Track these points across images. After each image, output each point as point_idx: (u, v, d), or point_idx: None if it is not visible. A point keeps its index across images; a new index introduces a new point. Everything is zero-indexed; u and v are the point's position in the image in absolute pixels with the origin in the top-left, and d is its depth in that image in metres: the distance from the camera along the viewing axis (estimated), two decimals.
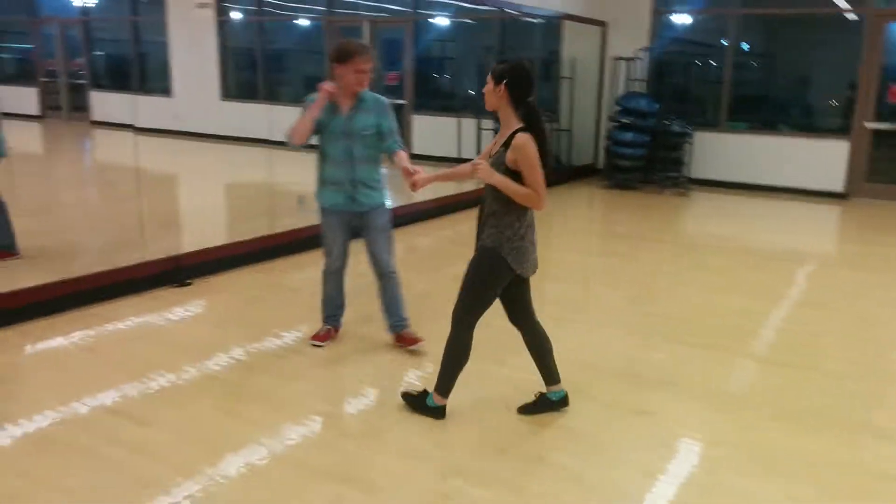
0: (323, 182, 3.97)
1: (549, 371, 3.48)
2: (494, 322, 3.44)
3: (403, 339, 4.14)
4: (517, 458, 3.11)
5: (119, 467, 2.95)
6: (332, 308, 4.23)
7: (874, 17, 9.50)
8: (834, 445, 3.29)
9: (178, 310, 4.80)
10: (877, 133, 9.71)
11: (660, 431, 3.38)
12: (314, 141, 3.92)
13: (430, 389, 3.40)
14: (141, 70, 15.88)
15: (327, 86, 3.77)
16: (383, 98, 3.97)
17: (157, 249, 5.38)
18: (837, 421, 3.53)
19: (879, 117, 9.64)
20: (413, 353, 4.09)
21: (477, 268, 3.25)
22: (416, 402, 3.44)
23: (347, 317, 4.33)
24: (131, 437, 3.18)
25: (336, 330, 4.27)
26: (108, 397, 3.53)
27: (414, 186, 3.56)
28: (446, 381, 3.34)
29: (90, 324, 4.46)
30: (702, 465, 3.13)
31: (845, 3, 9.83)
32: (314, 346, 4.14)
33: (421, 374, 3.86)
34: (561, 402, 3.48)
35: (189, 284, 5.21)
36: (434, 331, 3.95)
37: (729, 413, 3.59)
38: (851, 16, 9.91)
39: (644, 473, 3.01)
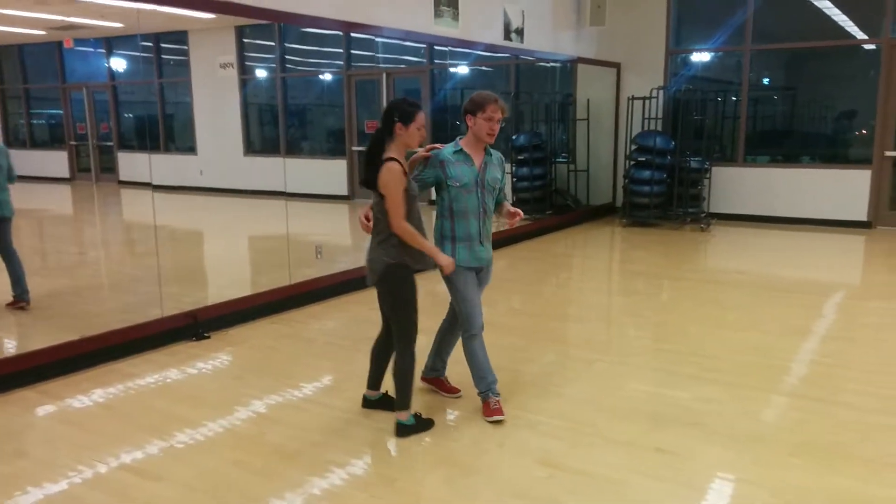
0: (453, 238, 3.79)
1: (382, 375, 3.92)
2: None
3: (439, 384, 4.20)
4: (533, 503, 3.04)
5: None
6: (490, 368, 3.92)
7: (890, 48, 9.47)
8: (860, 482, 3.18)
9: (196, 363, 4.82)
10: None
11: (682, 471, 3.29)
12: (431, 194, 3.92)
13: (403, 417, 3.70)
14: (167, 130, 16.31)
15: (425, 150, 3.78)
16: (500, 153, 3.97)
17: (176, 304, 5.43)
18: (862, 457, 3.41)
19: None
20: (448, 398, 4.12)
21: (392, 288, 3.61)
22: (406, 430, 3.69)
23: (361, 364, 4.30)
24: (141, 494, 3.17)
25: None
26: (124, 454, 3.53)
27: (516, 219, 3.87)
28: (407, 397, 3.69)
29: (109, 381, 4.49)
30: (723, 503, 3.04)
31: (861, 33, 9.82)
32: (496, 421, 3.82)
33: (450, 417, 3.82)
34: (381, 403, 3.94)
35: (207, 338, 5.25)
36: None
37: (752, 451, 3.49)
38: (869, 46, 9.89)
39: None
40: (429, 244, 3.58)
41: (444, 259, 3.63)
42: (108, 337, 4.85)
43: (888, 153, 9.59)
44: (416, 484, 3.25)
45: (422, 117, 3.55)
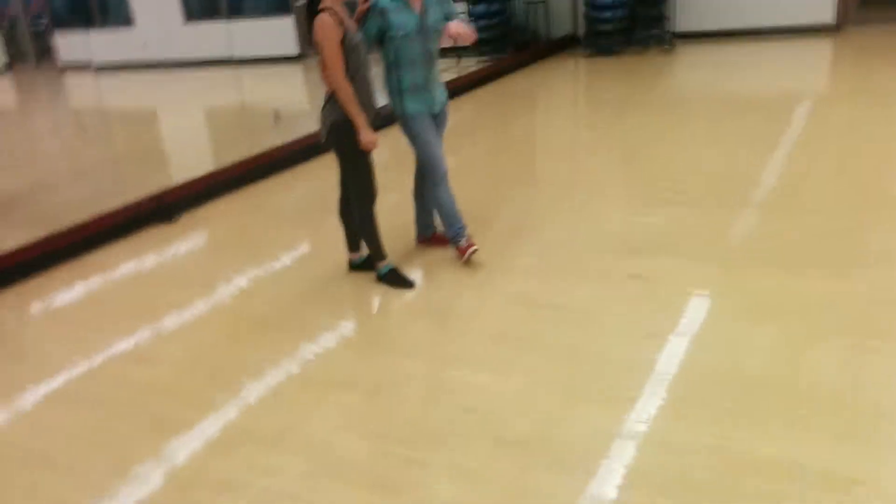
0: (401, 90, 3.72)
1: (356, 235, 3.91)
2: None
3: (439, 240, 4.17)
4: (514, 341, 3.16)
5: (130, 409, 3.03)
6: (458, 214, 3.87)
7: None
8: (825, 281, 3.33)
9: (171, 246, 4.81)
10: None
11: (656, 293, 3.41)
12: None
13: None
14: (100, 2, 15.30)
15: (362, 1, 3.59)
16: None
17: (140, 189, 5.33)
18: (827, 257, 3.56)
19: None
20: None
21: (339, 145, 3.58)
22: (384, 278, 3.80)
23: (334, 228, 4.29)
24: (140, 379, 3.25)
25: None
26: (115, 343, 3.58)
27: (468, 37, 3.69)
28: (378, 247, 3.78)
29: (87, 274, 4.48)
30: (700, 319, 3.17)
31: None
32: (473, 253, 3.84)
33: (422, 275, 3.89)
34: (365, 265, 3.94)
35: (177, 220, 5.19)
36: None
37: (723, 266, 3.61)
38: None
39: (645, 335, 3.06)
40: (357, 112, 3.44)
41: (367, 136, 3.49)
42: (78, 230, 4.78)
43: None
44: (401, 336, 3.36)
45: None
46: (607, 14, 9.64)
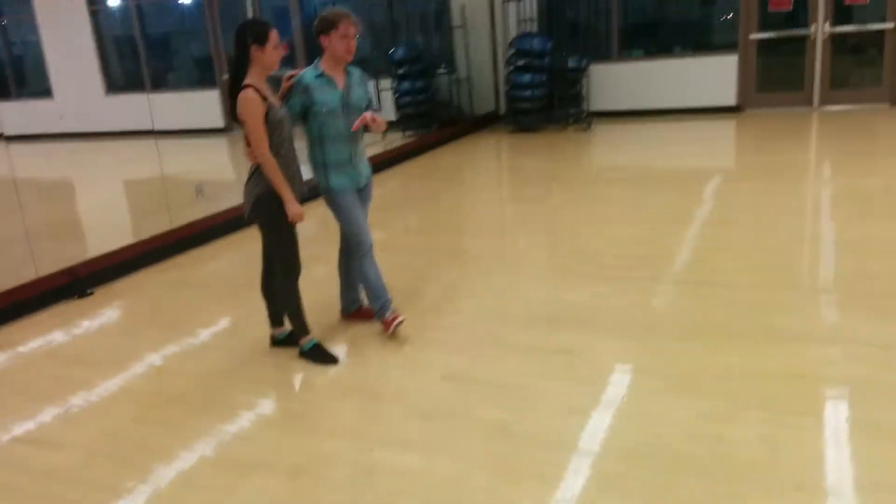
0: (326, 165, 3.71)
1: (279, 310, 3.87)
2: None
3: (364, 314, 4.12)
4: (442, 419, 3.11)
5: (30, 498, 2.82)
6: (383, 287, 3.88)
7: None
8: (742, 356, 3.42)
9: (82, 322, 4.59)
10: (763, 43, 9.99)
11: (581, 368, 3.44)
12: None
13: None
14: (16, 73, 14.96)
15: (285, 79, 3.63)
16: (359, 69, 3.83)
17: (52, 262, 5.11)
18: (743, 332, 3.66)
19: (763, 27, 9.92)
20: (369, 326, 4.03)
21: (263, 218, 3.54)
22: (308, 354, 3.73)
23: (257, 303, 4.20)
24: (41, 465, 3.03)
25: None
26: (17, 426, 3.35)
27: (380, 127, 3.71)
28: (302, 323, 3.72)
29: None
30: (623, 395, 3.19)
31: None
32: (398, 325, 3.84)
33: (347, 347, 3.82)
34: (288, 340, 3.87)
35: (90, 294, 4.98)
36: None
37: (645, 340, 3.68)
38: None
39: (570, 411, 3.06)
40: (284, 186, 3.44)
41: (293, 208, 3.48)
42: None
43: (752, 36, 9.95)
44: (325, 416, 3.26)
45: (276, 35, 3.40)
46: (527, 93, 10.02)
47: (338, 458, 2.89)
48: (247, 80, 3.36)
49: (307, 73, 3.62)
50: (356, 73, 3.78)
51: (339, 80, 3.67)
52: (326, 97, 3.62)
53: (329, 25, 3.57)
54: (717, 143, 8.98)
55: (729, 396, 3.09)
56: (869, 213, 5.38)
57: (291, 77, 3.63)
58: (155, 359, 3.96)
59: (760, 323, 3.75)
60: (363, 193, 3.91)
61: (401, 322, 3.85)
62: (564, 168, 8.11)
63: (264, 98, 3.37)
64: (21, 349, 4.25)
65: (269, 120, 3.38)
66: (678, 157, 8.10)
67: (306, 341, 3.74)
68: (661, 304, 4.17)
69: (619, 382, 3.31)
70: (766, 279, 4.31)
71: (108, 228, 7.14)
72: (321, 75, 3.63)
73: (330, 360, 3.70)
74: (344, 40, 3.58)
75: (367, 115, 3.64)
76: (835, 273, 4.39)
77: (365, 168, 3.90)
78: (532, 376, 3.41)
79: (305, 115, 3.66)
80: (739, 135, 9.24)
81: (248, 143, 3.43)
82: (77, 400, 3.56)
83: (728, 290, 4.20)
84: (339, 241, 4.07)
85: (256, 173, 3.48)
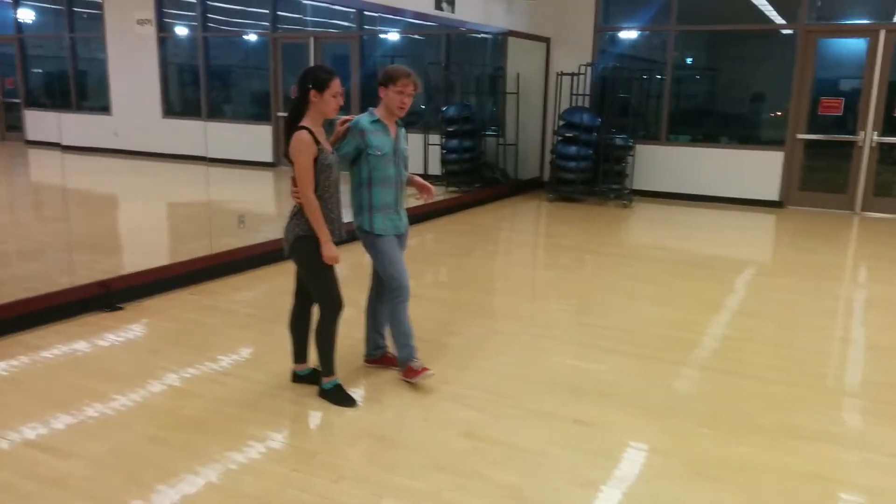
0: (371, 207, 3.81)
1: (304, 347, 3.89)
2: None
3: (388, 361, 4.15)
4: (455, 475, 3.06)
5: (33, 503, 2.82)
6: (412, 336, 3.95)
7: (805, 33, 9.81)
8: (761, 450, 3.34)
9: (108, 335, 4.64)
10: (809, 144, 10.02)
11: (598, 441, 3.38)
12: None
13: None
14: (79, 87, 15.50)
15: (340, 123, 3.78)
16: (404, 128, 4.02)
17: (87, 273, 5.20)
18: (765, 426, 3.58)
19: (812, 129, 9.96)
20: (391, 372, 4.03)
21: (303, 259, 3.60)
22: (327, 394, 3.72)
23: (282, 337, 4.22)
24: (50, 472, 3.04)
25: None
26: (30, 430, 3.37)
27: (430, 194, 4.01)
28: (330, 362, 3.72)
29: (14, 353, 4.28)
30: (636, 474, 3.13)
31: (779, 18, 10.16)
32: (425, 376, 3.89)
33: (363, 392, 3.80)
34: (310, 378, 3.88)
35: (121, 309, 5.05)
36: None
37: (664, 421, 3.61)
38: (786, 31, 10.23)
39: (581, 484, 3.01)
40: (322, 227, 3.50)
41: (329, 251, 3.54)
42: (13, 307, 4.61)
43: (800, 136, 9.99)
44: (338, 457, 3.23)
45: (337, 84, 3.50)
46: (572, 164, 10.12)
47: (344, 502, 2.85)
48: (303, 122, 3.47)
49: (363, 118, 3.75)
50: (402, 130, 3.95)
51: (392, 128, 3.82)
52: (380, 141, 3.75)
53: (390, 79, 3.73)
54: (756, 235, 8.93)
55: (744, 489, 3.01)
56: None
57: (346, 122, 3.75)
58: (174, 380, 3.98)
59: (782, 419, 3.66)
60: (400, 241, 3.97)
61: (429, 374, 3.88)
62: (601, 241, 8.11)
63: (317, 142, 3.47)
64: (44, 354, 4.30)
65: (319, 163, 3.47)
66: (715, 244, 8.07)
67: (329, 381, 3.74)
68: (683, 387, 4.10)
69: (633, 460, 3.24)
70: (791, 376, 4.23)
71: (147, 246, 7.27)
72: (377, 121, 3.77)
73: (349, 402, 3.69)
74: (400, 96, 3.73)
75: (418, 178, 3.91)
76: (861, 378, 4.29)
77: (404, 219, 3.98)
78: (549, 443, 3.36)
79: (355, 158, 3.76)
80: (779, 230, 9.18)
81: (295, 184, 3.51)
82: (92, 411, 3.58)
83: (752, 382, 4.13)
84: (370, 286, 4.10)
85: (298, 213, 3.56)
